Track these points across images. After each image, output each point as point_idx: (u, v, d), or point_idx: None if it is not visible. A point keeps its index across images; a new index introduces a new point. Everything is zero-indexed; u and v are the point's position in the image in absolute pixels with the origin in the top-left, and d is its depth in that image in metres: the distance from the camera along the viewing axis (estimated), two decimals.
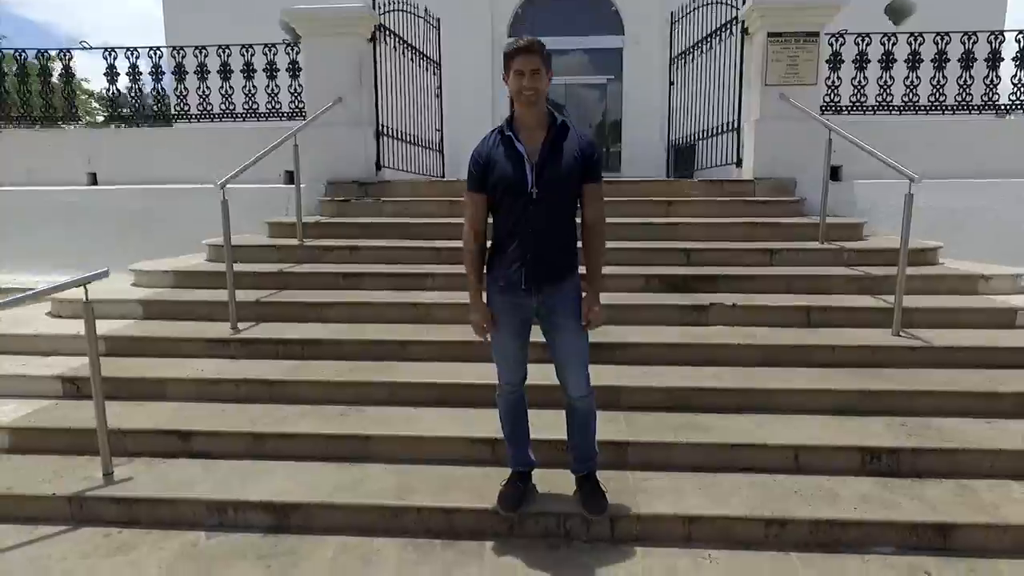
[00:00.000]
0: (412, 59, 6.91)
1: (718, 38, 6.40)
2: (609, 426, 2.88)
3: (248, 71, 6.12)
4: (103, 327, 3.86)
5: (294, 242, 4.89)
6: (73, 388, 3.44)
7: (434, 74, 7.67)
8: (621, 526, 2.50)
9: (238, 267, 4.31)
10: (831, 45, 5.82)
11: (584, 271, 2.41)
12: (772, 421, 3.02)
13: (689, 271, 4.34)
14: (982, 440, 2.83)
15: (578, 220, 2.41)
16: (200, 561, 2.45)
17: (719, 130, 6.39)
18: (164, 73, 6.12)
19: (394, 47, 6.42)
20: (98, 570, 2.42)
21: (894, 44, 5.79)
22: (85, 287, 2.80)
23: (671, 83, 7.80)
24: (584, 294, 2.39)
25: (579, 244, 2.41)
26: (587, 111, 14.68)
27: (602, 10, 13.97)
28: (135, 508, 2.68)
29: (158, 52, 6.09)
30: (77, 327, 3.91)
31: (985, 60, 5.69)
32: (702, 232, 4.92)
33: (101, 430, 2.80)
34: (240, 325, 3.89)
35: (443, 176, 7.76)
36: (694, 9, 6.96)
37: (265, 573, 2.37)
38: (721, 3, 6.28)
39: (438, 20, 7.64)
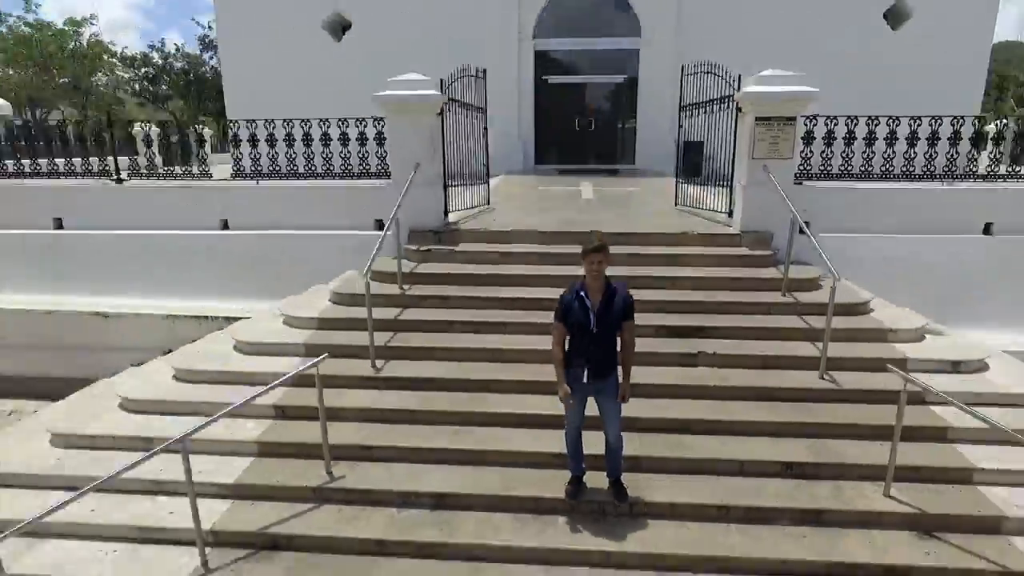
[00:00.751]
0: (467, 114, 8.44)
1: (720, 105, 7.89)
2: (628, 444, 4.71)
3: (344, 139, 7.72)
4: (282, 364, 5.73)
5: (396, 290, 6.65)
6: (281, 412, 5.31)
7: (479, 119, 9.14)
8: (636, 508, 4.38)
9: (357, 312, 6.11)
10: (805, 125, 7.33)
11: (621, 369, 4.18)
12: (731, 441, 4.85)
13: (686, 322, 6.08)
14: (857, 456, 4.65)
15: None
16: (400, 526, 4.36)
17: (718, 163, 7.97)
18: (277, 140, 7.72)
19: (455, 112, 7.96)
20: (342, 530, 4.34)
21: (855, 125, 7.29)
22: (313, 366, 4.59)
23: (680, 126, 9.25)
24: (620, 381, 4.17)
25: (618, 351, 4.16)
26: (605, 107, 15.97)
27: (621, 14, 15.05)
28: (351, 494, 4.58)
29: (272, 123, 7.68)
30: (267, 364, 5.79)
31: (926, 138, 7.20)
32: (698, 284, 6.62)
33: (324, 443, 4.69)
34: (377, 363, 5.71)
35: (488, 202, 9.33)
36: (702, 72, 8.38)
37: (439, 534, 4.28)
38: (720, 77, 7.74)
39: (484, 71, 9.08)
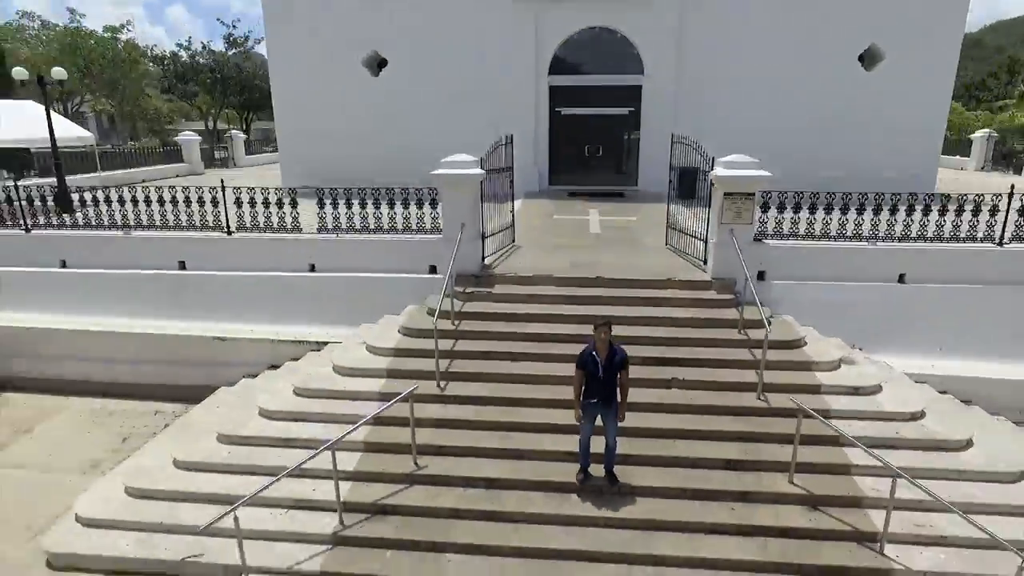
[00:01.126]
0: (500, 176, 10.56)
1: (699, 177, 10.00)
2: (620, 446, 6.94)
3: (405, 202, 9.89)
4: (372, 384, 7.99)
5: (450, 325, 8.85)
6: (381, 423, 7.56)
7: (508, 175, 11.19)
8: (624, 489, 6.63)
9: (422, 343, 8.34)
10: (762, 197, 9.41)
11: (620, 397, 6.39)
12: (694, 443, 7.07)
13: (665, 354, 8.27)
14: (774, 455, 6.87)
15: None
16: (467, 500, 6.63)
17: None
18: (354, 202, 9.91)
19: (491, 178, 10.07)
20: (429, 502, 6.61)
21: (801, 198, 9.38)
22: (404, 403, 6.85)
23: (669, 181, 11.33)
24: (619, 404, 6.39)
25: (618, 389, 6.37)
26: (612, 135, 17.97)
27: (626, 53, 16.99)
28: (432, 478, 6.85)
29: (349, 190, 9.86)
30: (360, 384, 8.03)
31: (855, 208, 9.29)
32: (675, 322, 8.79)
33: (413, 443, 6.95)
34: (441, 384, 7.95)
35: (513, 240, 11.45)
36: (685, 144, 10.45)
37: (493, 505, 6.55)
38: (698, 152, 9.83)
39: (511, 137, 11.16)
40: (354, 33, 17.45)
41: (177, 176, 25.59)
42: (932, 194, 10.09)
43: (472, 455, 7.13)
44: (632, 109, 17.44)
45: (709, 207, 9.64)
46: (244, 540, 5.97)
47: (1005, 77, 60.37)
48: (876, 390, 7.80)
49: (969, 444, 7.18)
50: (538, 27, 16.71)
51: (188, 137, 27.49)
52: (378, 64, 17.96)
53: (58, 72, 14.17)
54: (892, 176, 16.30)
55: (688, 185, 16.75)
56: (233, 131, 33.75)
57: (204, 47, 45.72)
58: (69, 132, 16.18)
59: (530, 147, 17.49)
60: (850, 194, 9.33)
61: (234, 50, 46.74)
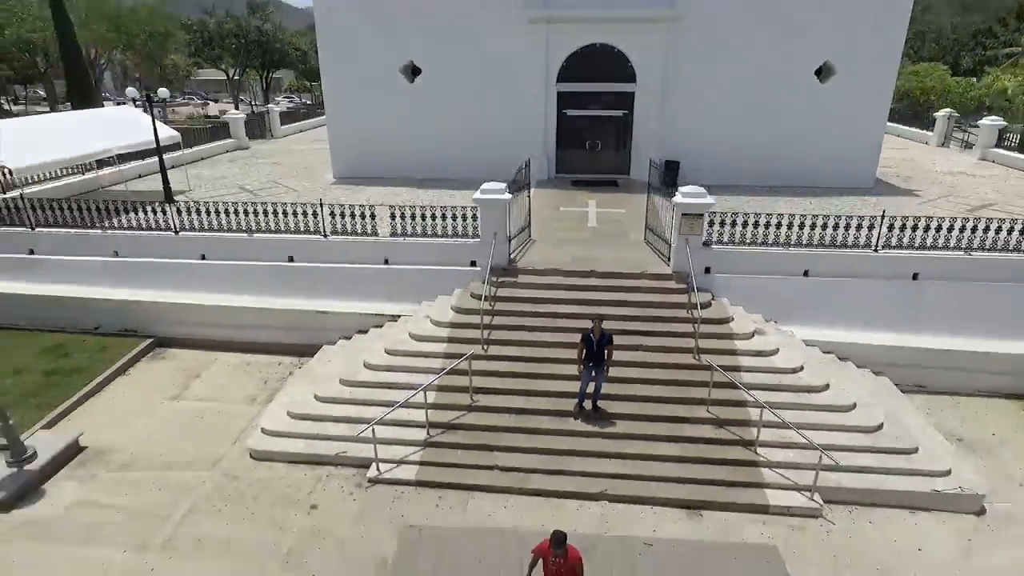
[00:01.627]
0: (521, 192, 14.21)
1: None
2: (604, 388, 10.95)
3: (454, 216, 13.64)
4: (437, 347, 12.02)
5: (488, 306, 12.73)
6: (449, 373, 11.56)
7: (526, 190, 14.81)
8: (604, 415, 10.71)
9: (470, 318, 12.30)
10: (709, 216, 13.10)
11: (607, 361, 10.39)
12: (649, 387, 11.10)
13: (636, 327, 12.19)
14: (699, 394, 10.91)
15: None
16: (506, 419, 10.72)
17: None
18: (410, 217, 13.66)
19: (514, 196, 13.75)
20: (480, 421, 10.71)
21: (736, 216, 13.09)
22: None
23: (649, 177, 14.97)
24: (606, 364, 10.38)
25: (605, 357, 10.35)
26: (608, 133, 21.32)
27: (622, 66, 20.17)
28: (483, 408, 10.93)
29: (415, 207, 13.61)
30: (429, 347, 12.06)
31: (776, 224, 13.03)
32: (645, 304, 12.68)
33: (470, 386, 11.01)
34: (485, 347, 11.93)
35: (530, 236, 15.19)
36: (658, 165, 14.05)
37: (520, 422, 10.64)
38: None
39: (528, 161, 14.73)
40: (393, 45, 20.64)
41: (227, 152, 29.08)
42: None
43: (507, 394, 11.20)
44: (626, 111, 20.78)
45: (673, 221, 13.35)
46: (376, 445, 10.13)
47: (1013, 23, 61.29)
48: (774, 352, 11.76)
49: (826, 387, 11.19)
50: (548, 43, 19.88)
51: (234, 116, 30.76)
52: (412, 71, 21.20)
53: (163, 92, 17.67)
54: (839, 168, 19.91)
55: (672, 175, 20.46)
56: (270, 106, 36.79)
57: (227, 15, 47.97)
58: (164, 133, 19.68)
59: (540, 143, 20.97)
60: (772, 214, 13.06)
61: (257, 16, 49.02)
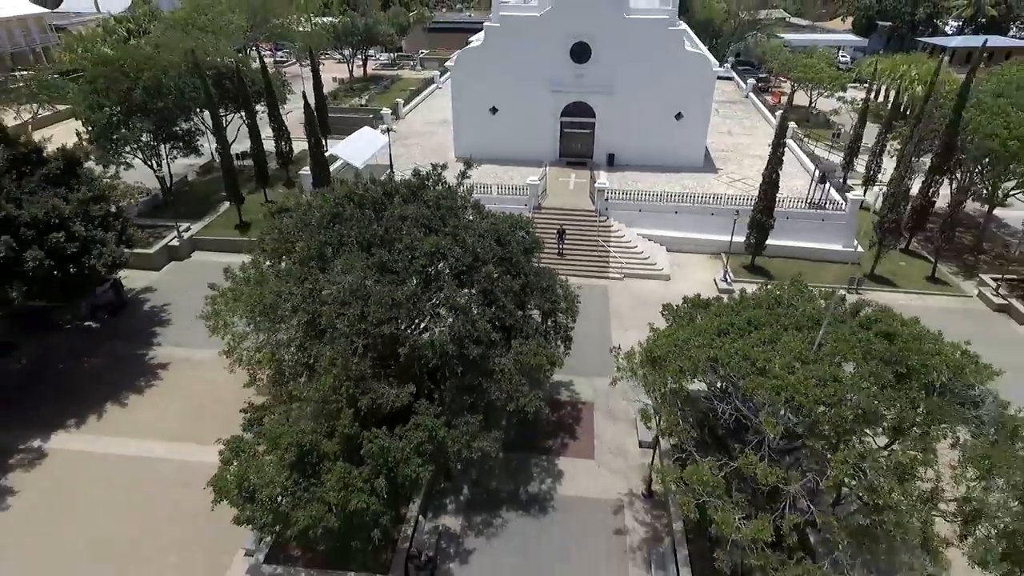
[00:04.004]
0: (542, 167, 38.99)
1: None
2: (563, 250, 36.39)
3: (518, 187, 38.69)
4: None
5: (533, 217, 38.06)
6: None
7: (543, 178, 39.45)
8: (565, 253, 36.41)
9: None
10: (609, 185, 37.93)
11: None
12: (580, 250, 36.66)
13: (578, 229, 37.51)
14: (606, 258, 36.47)
15: None
16: None
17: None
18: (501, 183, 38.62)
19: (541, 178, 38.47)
20: None
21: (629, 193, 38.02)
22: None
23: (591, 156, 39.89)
24: (563, 241, 35.91)
25: None
26: (584, 138, 45.46)
27: (589, 110, 44.33)
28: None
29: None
30: None
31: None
32: (583, 221, 37.92)
33: None
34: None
35: (546, 191, 40.00)
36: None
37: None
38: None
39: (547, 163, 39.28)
40: (486, 97, 44.54)
41: (384, 133, 53.45)
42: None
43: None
44: (590, 129, 44.85)
45: (594, 185, 38.23)
46: None
47: None
48: (622, 236, 37.14)
49: (636, 246, 36.63)
50: (557, 100, 43.74)
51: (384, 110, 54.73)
52: (492, 111, 45.19)
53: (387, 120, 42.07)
54: (684, 158, 44.31)
55: (611, 159, 46.41)
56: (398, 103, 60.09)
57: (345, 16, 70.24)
58: (380, 141, 44.07)
59: (553, 143, 45.29)
60: (630, 189, 38.08)
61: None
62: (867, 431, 14.25)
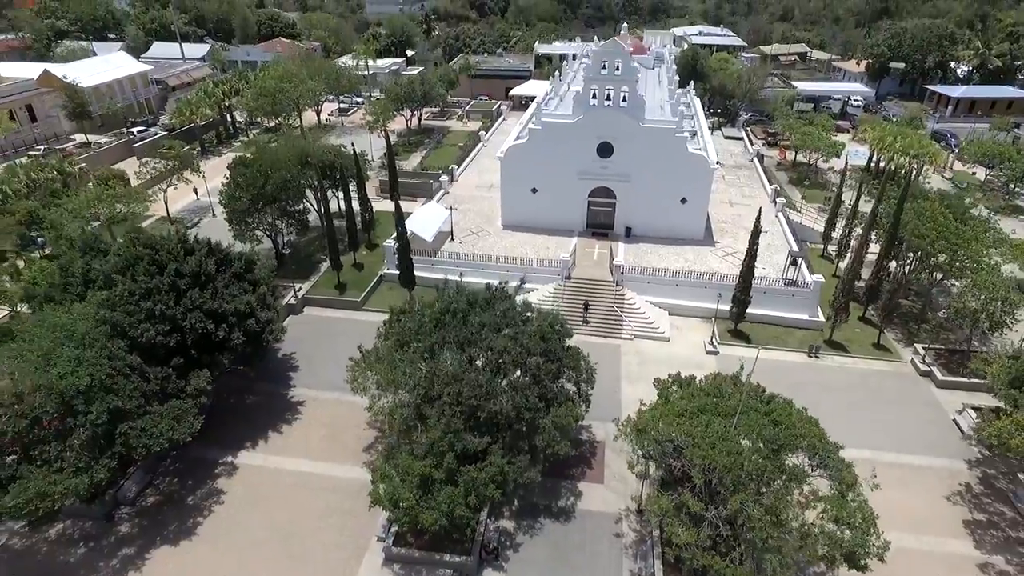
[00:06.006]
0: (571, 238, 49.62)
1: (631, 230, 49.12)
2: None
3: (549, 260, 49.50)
4: None
5: (562, 288, 48.70)
6: None
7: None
8: (589, 319, 47.12)
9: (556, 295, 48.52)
10: (624, 261, 48.43)
11: None
12: (600, 314, 47.32)
13: (598, 297, 48.13)
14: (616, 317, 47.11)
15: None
16: None
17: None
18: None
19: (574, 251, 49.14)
20: None
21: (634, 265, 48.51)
22: None
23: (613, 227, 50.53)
24: (587, 311, 46.66)
25: None
26: (607, 214, 55.93)
27: (610, 192, 54.91)
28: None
29: None
30: None
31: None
32: (602, 290, 48.57)
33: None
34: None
35: (575, 264, 50.62)
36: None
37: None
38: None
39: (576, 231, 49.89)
40: (527, 181, 55.35)
41: (440, 198, 64.73)
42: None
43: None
44: (612, 207, 55.27)
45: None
46: None
47: None
48: (633, 302, 47.64)
49: (644, 313, 47.14)
50: (584, 185, 54.32)
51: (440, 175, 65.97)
52: (533, 191, 55.95)
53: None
54: (688, 231, 54.53)
55: (628, 231, 57.20)
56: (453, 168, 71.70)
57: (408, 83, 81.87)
58: (443, 216, 55.19)
59: (581, 217, 55.88)
60: (643, 265, 48.62)
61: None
62: (753, 484, 24.71)
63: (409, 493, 27.05)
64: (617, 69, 50.45)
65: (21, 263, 44.79)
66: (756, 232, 42.36)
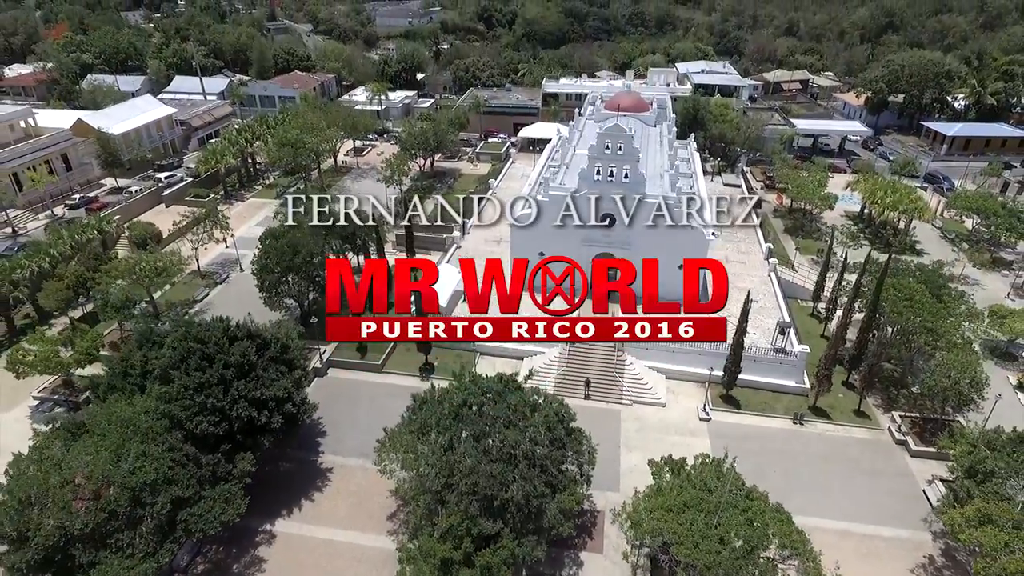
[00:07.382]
0: None
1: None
2: (595, 383, 50.93)
3: None
4: None
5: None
6: None
7: None
8: (591, 384, 51.11)
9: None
10: None
11: None
12: (602, 383, 51.24)
13: (602, 362, 52.02)
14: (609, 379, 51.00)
15: None
16: None
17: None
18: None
19: None
20: None
21: None
22: None
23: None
24: (590, 385, 50.57)
25: None
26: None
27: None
28: None
29: None
30: None
31: None
32: (606, 356, 52.48)
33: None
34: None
35: None
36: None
37: None
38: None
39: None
40: (535, 244, 59.37)
41: (450, 253, 68.79)
42: None
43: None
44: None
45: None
46: None
47: None
48: (632, 367, 51.53)
49: (641, 376, 51.02)
50: (588, 250, 58.27)
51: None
52: (540, 254, 60.06)
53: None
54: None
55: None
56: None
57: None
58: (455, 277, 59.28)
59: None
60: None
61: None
62: None
63: (431, 575, 31.10)
64: (620, 150, 54.32)
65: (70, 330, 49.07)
66: (745, 312, 46.21)
